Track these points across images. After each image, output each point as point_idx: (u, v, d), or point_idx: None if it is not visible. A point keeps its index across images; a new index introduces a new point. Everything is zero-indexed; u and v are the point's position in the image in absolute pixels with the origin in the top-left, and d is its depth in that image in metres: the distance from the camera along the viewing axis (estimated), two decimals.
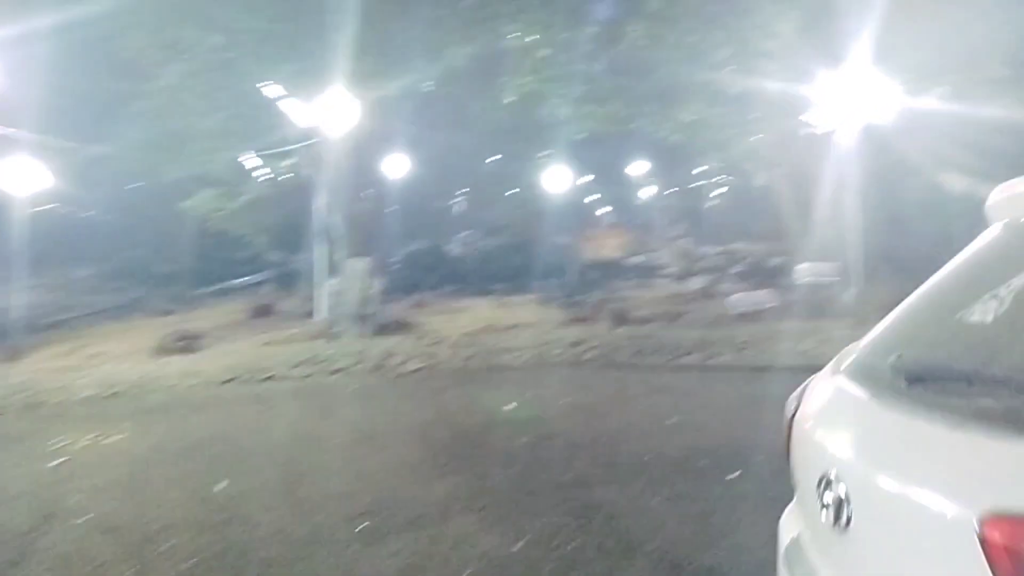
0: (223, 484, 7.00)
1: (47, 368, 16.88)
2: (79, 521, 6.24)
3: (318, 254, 19.70)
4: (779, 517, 2.96)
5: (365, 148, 20.24)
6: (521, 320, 20.84)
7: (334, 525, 5.68)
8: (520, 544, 5.12)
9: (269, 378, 12.97)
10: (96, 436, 9.30)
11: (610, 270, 31.08)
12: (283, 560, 5.06)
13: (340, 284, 19.52)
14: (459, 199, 39.47)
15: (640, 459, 7.10)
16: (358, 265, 19.39)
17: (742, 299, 20.03)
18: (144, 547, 5.53)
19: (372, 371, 12.97)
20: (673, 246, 33.26)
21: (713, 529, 5.26)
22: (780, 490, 5.39)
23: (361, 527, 5.59)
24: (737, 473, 6.51)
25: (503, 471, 6.92)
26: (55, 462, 8.20)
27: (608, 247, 31.93)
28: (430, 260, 33.52)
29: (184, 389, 12.67)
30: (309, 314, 24.50)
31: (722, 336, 15.14)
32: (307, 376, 12.95)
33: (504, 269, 30.80)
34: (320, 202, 19.99)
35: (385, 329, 19.47)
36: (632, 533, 5.23)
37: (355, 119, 17.98)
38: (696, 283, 28.34)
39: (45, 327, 25.33)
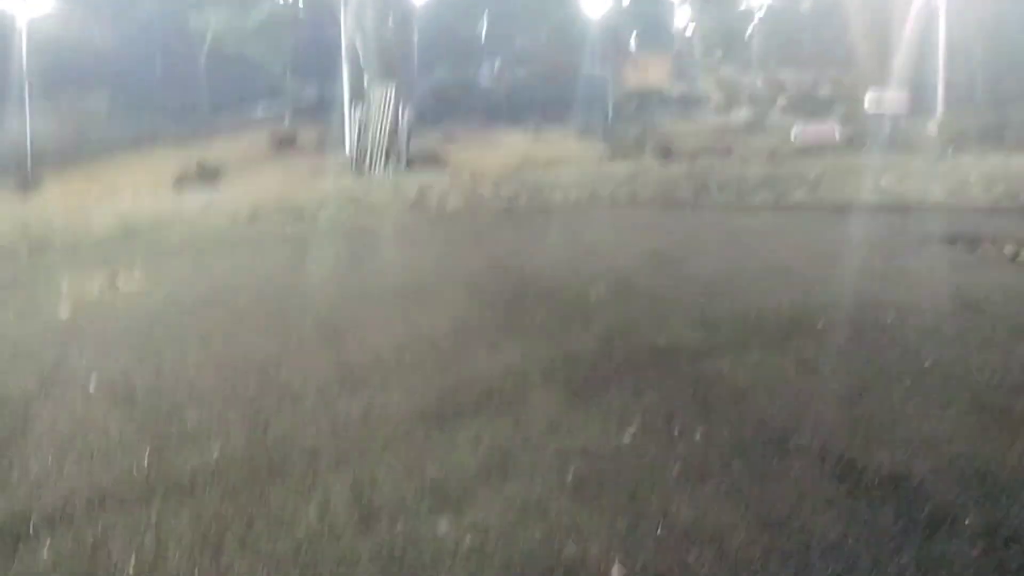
0: (249, 346, 5.91)
1: (62, 202, 15.77)
2: (88, 389, 5.21)
3: (345, 79, 17.94)
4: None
5: None
6: (560, 155, 19.36)
7: (387, 404, 4.59)
8: (630, 433, 4.00)
9: (296, 216, 11.77)
10: (109, 283, 8.22)
11: (648, 101, 29.07)
12: (331, 453, 3.99)
13: (366, 114, 17.95)
14: (488, 26, 36.76)
15: (744, 318, 5.90)
16: (385, 92, 17.74)
17: (806, 131, 18.34)
18: (158, 424, 4.49)
19: (409, 210, 11.73)
20: (714, 75, 30.92)
21: (874, 415, 4.11)
22: (943, 358, 4.12)
23: (422, 407, 4.50)
24: (876, 336, 5.34)
25: (581, 333, 5.75)
26: (63, 313, 7.16)
27: (649, 76, 29.67)
28: (458, 91, 31.54)
29: (205, 228, 11.53)
30: (333, 146, 23.04)
31: (790, 172, 13.66)
32: (337, 214, 11.74)
33: (537, 101, 28.86)
34: (345, 21, 18.04)
35: (416, 163, 18.10)
36: (772, 419, 4.09)
37: None
38: (741, 115, 26.44)
39: (61, 158, 24.06)
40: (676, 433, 4.00)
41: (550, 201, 11.89)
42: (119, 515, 3.44)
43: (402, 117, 17.69)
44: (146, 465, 3.93)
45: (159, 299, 7.51)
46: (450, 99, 29.76)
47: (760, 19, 35.10)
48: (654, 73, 29.94)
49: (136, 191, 18.32)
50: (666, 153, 19.28)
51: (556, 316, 6.22)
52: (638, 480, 3.51)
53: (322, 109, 27.23)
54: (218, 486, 3.66)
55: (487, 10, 33.48)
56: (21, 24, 20.02)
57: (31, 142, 20.46)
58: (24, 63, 20.22)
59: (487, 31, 36.62)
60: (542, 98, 28.74)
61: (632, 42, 31.60)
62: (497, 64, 33.88)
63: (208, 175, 19.17)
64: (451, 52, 34.60)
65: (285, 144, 23.70)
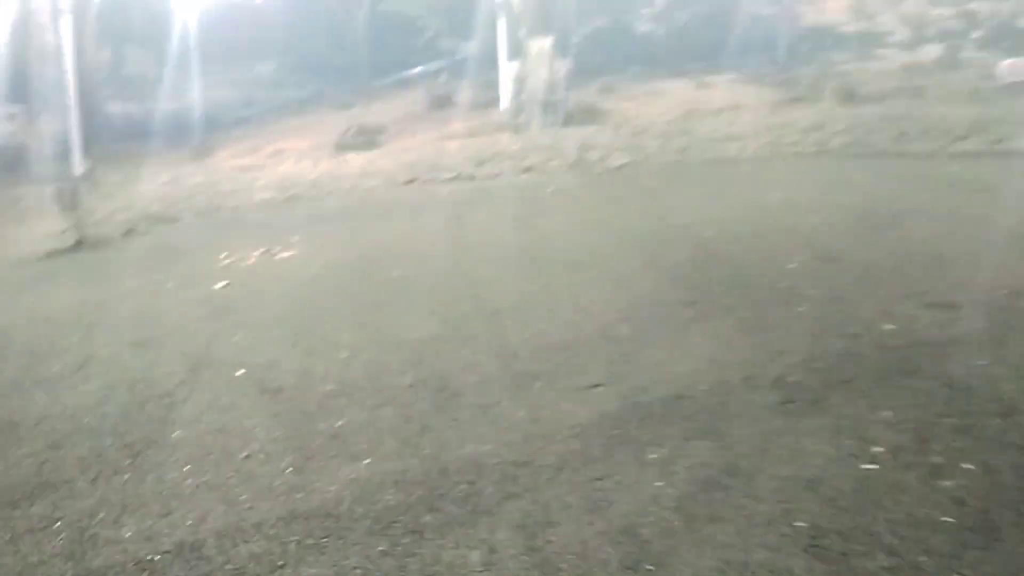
0: (405, 326, 5.35)
1: (228, 168, 16.02)
2: (235, 374, 4.80)
3: (501, 32, 17.18)
4: None
5: None
6: (729, 102, 17.91)
7: (558, 412, 3.87)
8: (871, 459, 3.10)
9: (454, 177, 11.21)
10: (267, 250, 7.94)
11: (823, 40, 26.71)
12: (494, 478, 3.33)
13: (522, 68, 17.17)
14: None
15: (992, 296, 4.78)
16: (542, 45, 16.88)
17: (1013, 66, 16.06)
18: (302, 423, 3.97)
19: (570, 168, 10.92)
20: (897, 8, 28.04)
21: None
22: None
23: (599, 417, 3.75)
24: None
25: (786, 319, 4.81)
26: (219, 284, 6.88)
27: (826, 11, 27.23)
28: (614, 38, 30.13)
29: (363, 191, 11.19)
30: (490, 104, 22.48)
31: (1002, 113, 11.84)
32: (496, 175, 11.08)
33: (699, 45, 27.11)
34: None
35: (574, 118, 17.19)
36: None
37: None
38: (931, 51, 23.77)
39: (229, 124, 24.80)
40: (935, 461, 3.05)
41: (725, 153, 10.74)
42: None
43: (559, 70, 16.80)
44: (281, 490, 3.40)
45: (314, 268, 7.11)
46: (606, 47, 28.40)
47: None
48: (831, 8, 27.41)
49: (299, 155, 18.48)
50: (849, 96, 17.43)
51: (751, 296, 5.28)
52: (896, 530, 2.62)
53: (479, 66, 26.72)
54: (362, 519, 3.06)
55: None
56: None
57: (202, 111, 20.99)
58: (191, 33, 20.69)
59: None
60: (705, 42, 26.96)
61: None
62: (659, 5, 32.13)
63: (367, 137, 19.04)
64: None
65: (441, 104, 23.33)
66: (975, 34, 24.80)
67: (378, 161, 13.81)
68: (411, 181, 11.30)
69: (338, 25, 28.35)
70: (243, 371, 4.84)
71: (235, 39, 32.01)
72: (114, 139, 21.05)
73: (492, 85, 24.51)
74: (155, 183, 14.23)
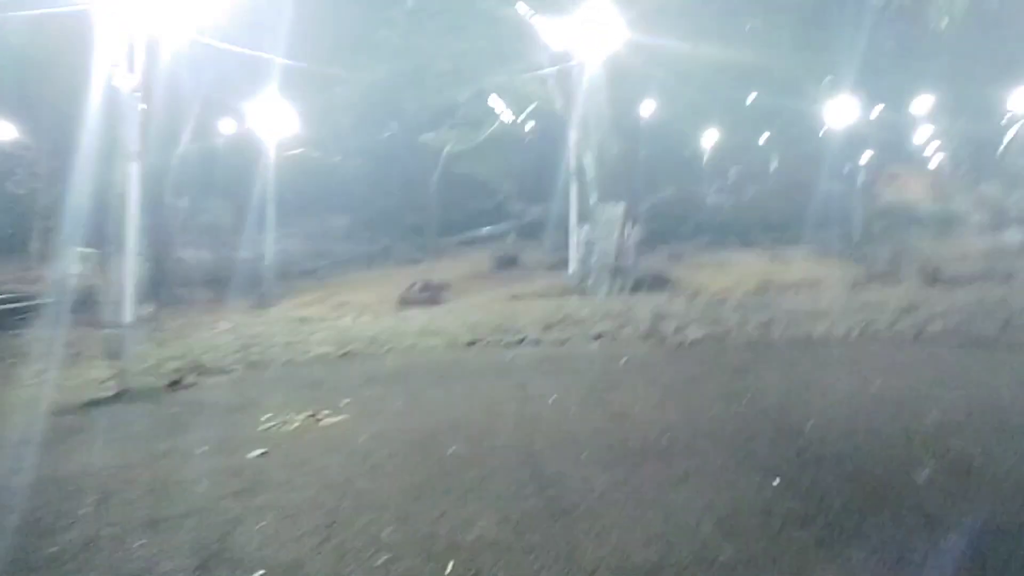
0: (467, 521, 4.47)
1: (289, 318, 15.66)
2: None
3: (572, 197, 16.98)
4: None
5: (623, 76, 17.27)
6: (804, 276, 17.16)
7: None
8: None
9: (519, 341, 10.53)
10: (313, 414, 7.22)
11: (898, 220, 26.12)
12: None
13: (592, 232, 16.82)
14: (713, 141, 35.38)
15: None
16: (613, 211, 16.58)
17: None
18: None
19: (643, 338, 10.14)
20: (974, 192, 27.49)
21: None
22: None
23: None
24: None
25: (936, 546, 3.82)
26: (255, 452, 6.14)
27: (907, 191, 26.78)
28: (682, 208, 30.09)
29: (423, 350, 10.55)
30: (555, 266, 22.17)
31: None
32: (564, 341, 10.36)
33: (768, 218, 26.82)
34: (572, 138, 17.24)
35: (643, 284, 16.61)
36: None
37: (616, 38, 15.01)
38: (1015, 235, 22.91)
39: (298, 275, 24.94)
40: None
41: (812, 332, 9.86)
42: None
43: (629, 236, 16.38)
44: None
45: (361, 439, 6.33)
46: (674, 216, 28.28)
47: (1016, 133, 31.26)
48: (912, 188, 26.93)
49: (362, 309, 18.16)
50: (934, 277, 16.55)
51: (883, 517, 4.29)
52: None
53: (544, 228, 26.74)
54: None
55: (714, 126, 32.07)
56: (270, 148, 20.96)
57: (273, 261, 21.07)
58: (269, 185, 21.06)
59: (715, 145, 35.22)
60: (774, 215, 26.65)
61: (878, 155, 28.84)
62: (731, 178, 32.22)
63: (431, 293, 18.72)
64: (677, 167, 33.38)
65: (507, 264, 23.16)
66: None
67: (441, 319, 13.27)
68: (474, 343, 10.64)
69: (412, 184, 28.94)
70: (260, 573, 4.00)
71: (313, 194, 32.94)
72: (183, 285, 21.17)
73: (560, 248, 24.34)
74: (214, 331, 13.88)
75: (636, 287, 16.19)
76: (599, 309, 12.43)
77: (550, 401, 7.33)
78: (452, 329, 11.82)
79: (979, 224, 24.93)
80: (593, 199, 16.98)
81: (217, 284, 22.19)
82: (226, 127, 22.78)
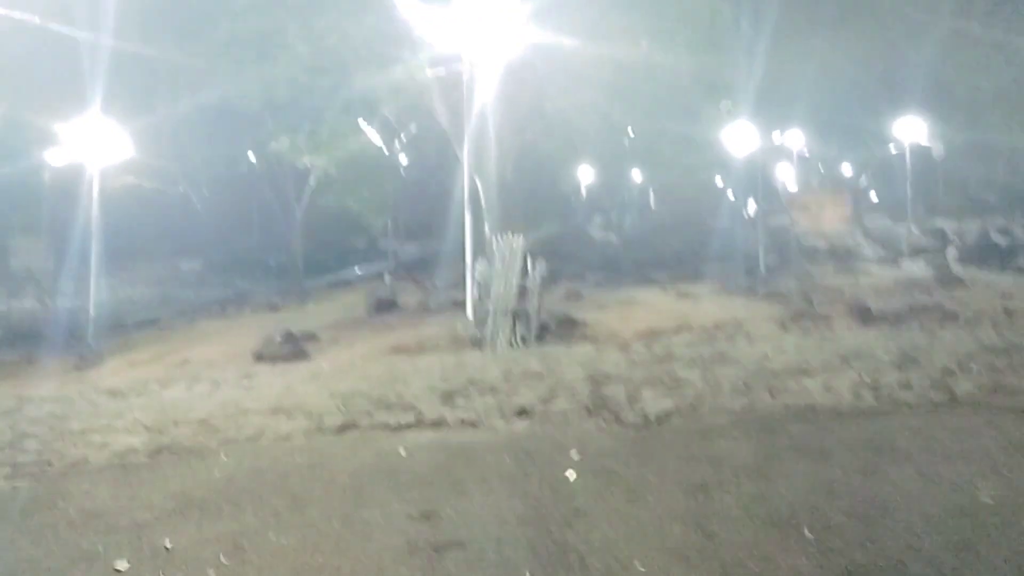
0: None
1: (103, 387, 11.80)
2: None
3: (468, 227, 13.89)
4: None
5: (518, 90, 14.48)
6: (724, 316, 14.80)
7: None
8: None
9: (412, 423, 7.30)
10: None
11: (788, 254, 24.54)
12: None
13: (487, 271, 13.81)
14: (591, 175, 33.31)
15: None
16: (511, 244, 13.64)
17: None
18: None
19: (587, 414, 7.12)
20: (863, 224, 26.37)
21: None
22: None
23: None
24: None
25: None
26: None
27: (823, 219, 25.22)
28: (568, 245, 27.65)
29: (274, 441, 7.16)
30: (439, 309, 19.02)
31: None
32: (475, 421, 7.21)
33: (661, 254, 24.71)
34: (464, 157, 14.22)
35: (548, 330, 13.73)
36: None
37: (514, 39, 12.19)
38: (915, 267, 21.57)
39: (135, 326, 20.70)
40: None
41: (810, 399, 7.13)
42: None
43: (532, 274, 13.48)
44: None
45: None
46: (562, 254, 25.65)
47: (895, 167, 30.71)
48: (825, 218, 25.35)
49: (206, 367, 14.41)
50: (864, 315, 14.49)
51: None
52: None
53: (427, 267, 23.60)
54: None
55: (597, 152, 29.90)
56: (94, 178, 16.94)
57: (100, 311, 16.90)
58: (96, 223, 16.96)
59: (594, 180, 33.16)
60: (669, 251, 24.56)
61: (785, 184, 27.34)
62: (620, 211, 30.06)
63: (293, 346, 15.15)
64: (555, 202, 30.98)
65: (384, 308, 19.81)
66: (951, 251, 22.83)
67: (303, 385, 9.86)
68: (347, 427, 7.33)
69: (273, 219, 25.13)
70: None
71: (159, 234, 28.53)
72: None
73: (446, 288, 21.21)
74: None
75: (542, 334, 13.28)
76: (510, 367, 9.38)
77: (482, 559, 4.18)
78: (317, 402, 8.47)
79: (875, 257, 23.61)
80: (487, 231, 14.00)
81: (29, 341, 17.80)
82: (41, 154, 18.51)
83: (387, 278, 23.84)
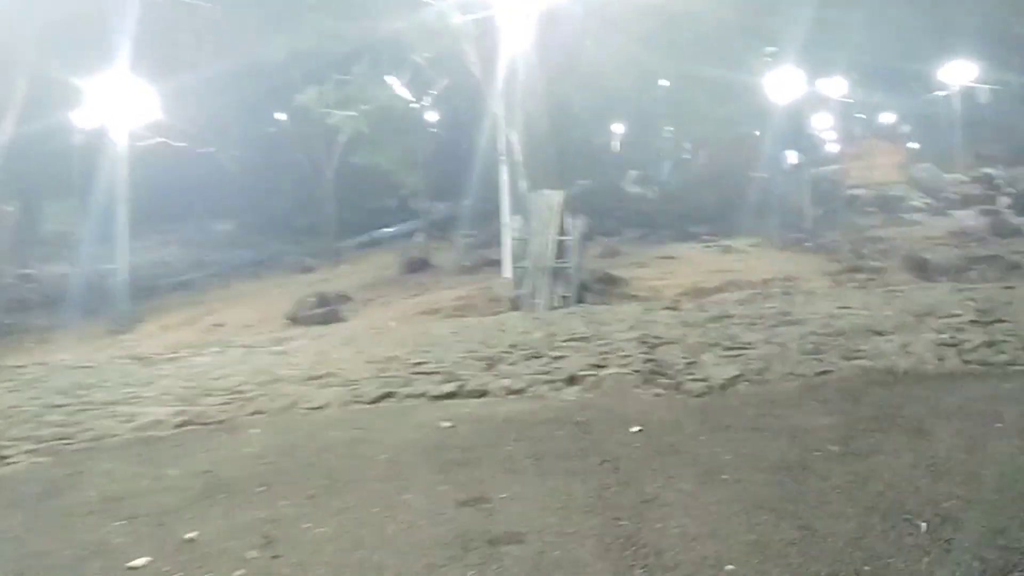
0: None
1: (137, 352, 11.43)
2: None
3: (504, 183, 13.19)
4: None
5: (553, 39, 13.66)
6: (771, 272, 14.05)
7: None
8: None
9: (453, 392, 6.75)
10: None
11: (833, 205, 23.50)
12: None
13: (525, 228, 13.17)
14: (624, 128, 32.25)
15: None
16: (550, 200, 12.97)
17: None
18: None
19: (643, 381, 6.51)
20: (910, 173, 25.20)
21: None
22: None
23: None
24: None
25: None
26: None
27: (879, 170, 24.10)
28: (603, 200, 26.77)
29: (308, 413, 6.66)
30: (473, 268, 18.47)
31: None
32: (522, 389, 6.63)
33: (701, 208, 23.81)
34: (498, 110, 13.47)
35: (590, 289, 13.10)
36: None
37: None
38: (966, 217, 20.50)
39: (170, 289, 20.42)
40: None
41: (890, 362, 6.43)
42: None
43: (571, 230, 12.81)
44: None
45: None
46: (599, 209, 24.80)
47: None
48: (880, 168, 24.18)
49: (240, 331, 14.05)
50: (919, 269, 13.68)
51: None
52: None
53: (458, 226, 22.97)
54: None
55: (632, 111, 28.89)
56: (123, 138, 16.46)
57: (130, 275, 16.53)
58: (125, 185, 16.51)
59: (627, 133, 32.10)
60: (708, 205, 23.66)
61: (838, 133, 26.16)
62: (666, 166, 29.07)
63: (327, 308, 14.73)
64: (588, 156, 30.05)
65: (417, 267, 19.30)
66: (1004, 200, 21.68)
67: (337, 351, 9.36)
68: (385, 396, 6.79)
69: (304, 180, 24.57)
70: None
71: (193, 196, 28.18)
72: (15, 310, 16.49)
73: (480, 247, 20.61)
74: (17, 378, 9.58)
75: (582, 293, 12.66)
76: (554, 329, 8.78)
77: (545, 557, 3.61)
78: (352, 369, 7.96)
79: (922, 207, 22.53)
80: (523, 187, 13.32)
81: (61, 306, 17.55)
82: (69, 116, 18.05)
83: (420, 237, 23.26)
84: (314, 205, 24.91)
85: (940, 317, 7.87)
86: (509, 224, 12.69)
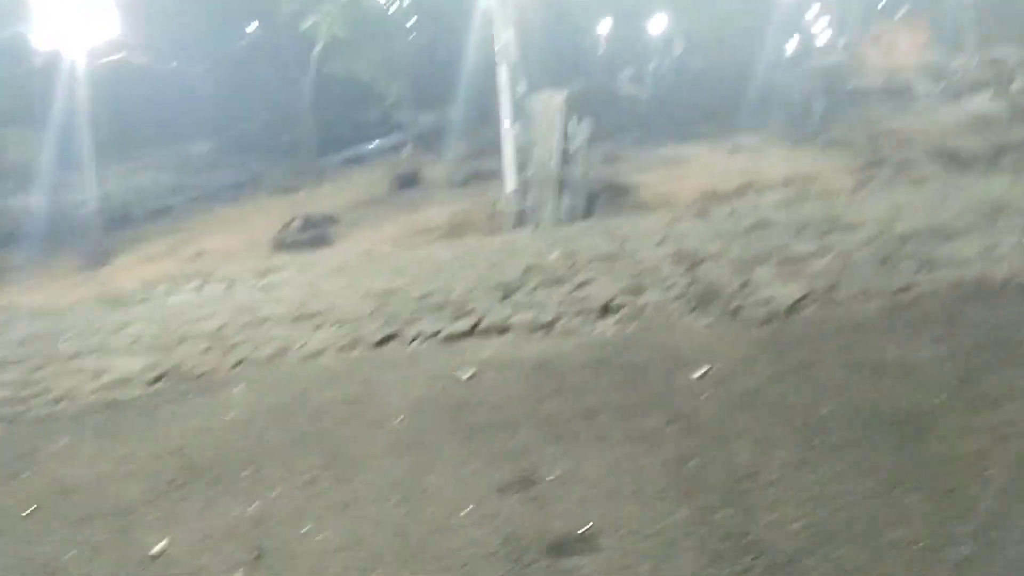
0: None
1: (110, 291, 10.36)
2: None
3: (504, 84, 11.85)
4: None
5: None
6: (790, 172, 12.93)
7: None
8: None
9: (468, 331, 5.72)
10: None
11: (838, 96, 22.10)
12: None
13: (524, 134, 11.93)
14: (609, 27, 30.36)
15: None
16: (551, 102, 11.70)
17: None
18: None
19: (692, 308, 5.49)
20: (910, 57, 23.71)
21: None
22: None
23: None
24: None
25: None
26: None
27: (900, 54, 22.57)
28: (596, 103, 25.19)
29: (301, 361, 5.66)
30: (466, 181, 17.24)
31: None
32: (547, 324, 5.61)
33: (702, 106, 22.41)
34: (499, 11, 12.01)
35: (598, 199, 11.99)
36: None
37: None
38: (978, 104, 19.22)
39: (146, 217, 19.11)
40: None
41: (973, 271, 5.43)
42: None
43: (575, 135, 11.60)
44: None
45: None
46: (593, 111, 23.31)
47: None
48: (901, 52, 22.58)
49: (224, 259, 12.95)
50: (951, 161, 12.59)
51: None
52: None
53: (446, 137, 21.56)
54: None
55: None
56: (81, 56, 14.90)
57: (116, 201, 15.22)
58: (90, 110, 15.03)
59: (612, 30, 30.26)
60: (707, 102, 22.28)
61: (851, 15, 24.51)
62: (647, 64, 27.47)
63: (315, 231, 13.60)
64: (575, 57, 28.31)
65: (406, 183, 18.03)
66: (1016, 84, 20.35)
67: (329, 282, 8.31)
68: (389, 339, 5.78)
69: (279, 94, 22.91)
70: None
71: (166, 118, 26.42)
72: None
73: (471, 158, 19.31)
74: None
75: (590, 204, 11.55)
76: (571, 247, 7.73)
77: (630, 573, 2.65)
78: (347, 304, 6.93)
79: (927, 93, 21.20)
80: (522, 89, 12.01)
81: (31, 241, 16.28)
82: (26, 34, 16.36)
83: (406, 151, 21.85)
84: (292, 122, 23.33)
85: (1013, 214, 6.83)
86: (509, 130, 11.42)
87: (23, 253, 14.78)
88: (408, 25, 19.95)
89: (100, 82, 16.54)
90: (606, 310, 5.63)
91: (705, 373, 4.26)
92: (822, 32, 27.71)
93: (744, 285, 5.69)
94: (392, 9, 18.96)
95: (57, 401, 5.56)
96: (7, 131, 19.55)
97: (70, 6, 15.16)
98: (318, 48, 17.58)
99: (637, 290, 5.95)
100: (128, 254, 14.92)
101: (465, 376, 4.75)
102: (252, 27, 23.99)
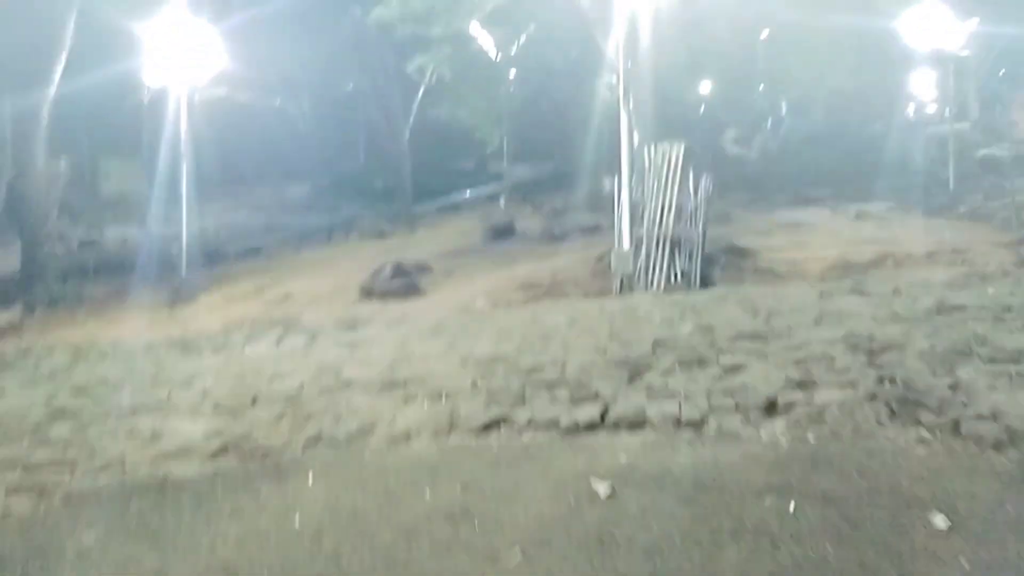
0: None
1: (189, 332, 9.63)
2: None
3: (623, 131, 10.82)
4: None
5: None
6: (934, 245, 11.42)
7: None
8: None
9: (593, 421, 4.54)
10: None
11: (966, 163, 20.30)
12: None
13: (638, 189, 10.83)
14: (711, 87, 29.24)
15: None
16: (670, 154, 10.59)
17: None
18: None
19: (888, 417, 4.17)
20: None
21: None
22: None
23: None
24: None
25: None
26: None
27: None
28: (703, 162, 24.03)
29: (387, 450, 4.57)
30: (564, 236, 16.28)
31: None
32: (696, 421, 4.37)
33: (812, 169, 20.99)
34: (616, 51, 11.08)
35: (716, 263, 10.75)
36: None
37: None
38: None
39: (236, 256, 18.75)
40: None
41: None
42: None
43: (699, 191, 10.44)
44: None
45: None
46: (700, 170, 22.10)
47: None
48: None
49: (310, 304, 12.21)
50: None
51: None
52: None
53: (542, 189, 20.70)
54: None
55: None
56: (183, 102, 14.63)
57: (193, 240, 14.81)
58: (191, 146, 14.73)
59: (713, 91, 29.12)
60: (823, 166, 20.82)
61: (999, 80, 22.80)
62: (756, 125, 26.22)
63: (405, 281, 12.76)
64: (678, 113, 27.25)
65: (501, 234, 17.15)
66: None
67: (423, 343, 7.27)
68: (494, 424, 4.64)
69: (379, 137, 22.53)
70: None
71: (266, 159, 26.51)
72: (72, 277, 14.96)
73: (571, 212, 18.35)
74: (39, 368, 7.82)
75: (709, 267, 10.32)
76: (707, 320, 6.49)
77: None
78: (445, 373, 5.86)
79: None
80: (635, 139, 10.95)
81: (122, 273, 15.99)
82: (134, 67, 16.36)
83: (502, 201, 21.04)
84: (389, 167, 22.91)
85: None
86: (624, 183, 10.32)
87: (113, 284, 14.43)
88: (508, 80, 19.30)
89: (204, 117, 16.34)
90: (772, 407, 4.38)
91: (950, 526, 2.97)
92: (938, 99, 25.88)
93: (954, 388, 4.35)
94: (498, 57, 18.32)
95: (100, 471, 4.63)
96: (112, 163, 19.65)
97: (179, 41, 15.03)
98: (421, 92, 17.02)
99: (807, 384, 4.69)
100: (214, 292, 14.41)
101: (600, 491, 3.56)
102: (358, 69, 23.87)
